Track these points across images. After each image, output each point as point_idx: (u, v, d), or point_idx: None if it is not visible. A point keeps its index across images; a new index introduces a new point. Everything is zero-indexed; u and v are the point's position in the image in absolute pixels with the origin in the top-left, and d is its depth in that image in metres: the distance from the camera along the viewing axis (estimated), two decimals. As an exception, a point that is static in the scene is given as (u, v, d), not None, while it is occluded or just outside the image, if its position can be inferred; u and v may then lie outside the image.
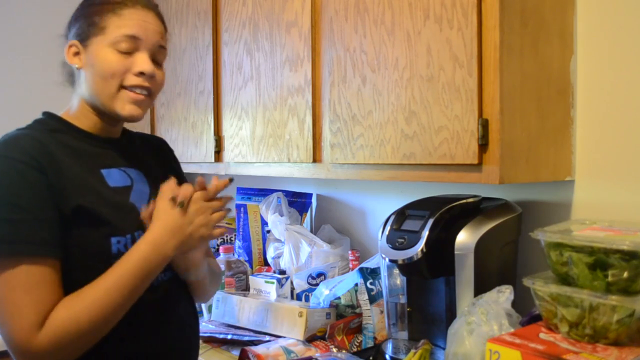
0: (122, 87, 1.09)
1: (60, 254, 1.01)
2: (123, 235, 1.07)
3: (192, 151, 2.13)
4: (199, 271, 1.20)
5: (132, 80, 1.09)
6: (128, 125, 1.25)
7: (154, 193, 1.15)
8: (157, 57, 1.14)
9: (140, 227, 1.09)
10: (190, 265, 1.17)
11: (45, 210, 1.00)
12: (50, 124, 1.13)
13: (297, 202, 2.19)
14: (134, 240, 1.07)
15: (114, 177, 1.12)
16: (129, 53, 1.09)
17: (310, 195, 2.20)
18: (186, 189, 1.08)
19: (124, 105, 1.10)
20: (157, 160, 1.28)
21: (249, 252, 2.22)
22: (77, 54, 1.12)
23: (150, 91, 1.12)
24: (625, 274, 0.99)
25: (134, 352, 1.10)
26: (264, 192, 2.27)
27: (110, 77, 1.08)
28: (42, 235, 0.99)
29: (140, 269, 1.02)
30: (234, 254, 2.25)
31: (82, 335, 0.98)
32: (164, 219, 1.05)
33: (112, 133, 1.19)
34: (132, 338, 1.10)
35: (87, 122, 1.14)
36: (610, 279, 1.00)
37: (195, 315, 1.27)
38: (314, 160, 1.63)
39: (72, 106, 1.16)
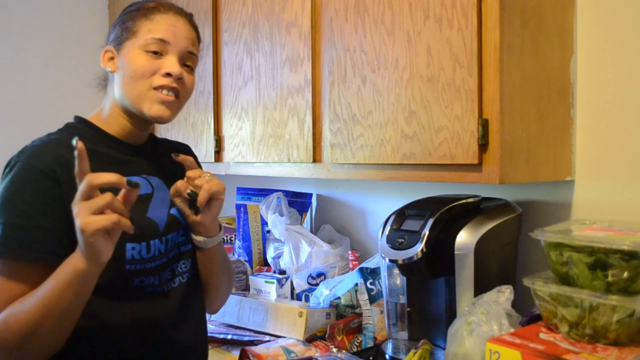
0: (151, 88, 1.11)
1: (53, 261, 0.98)
2: (138, 242, 1.08)
3: (192, 151, 2.12)
4: (216, 239, 1.19)
5: (159, 81, 1.10)
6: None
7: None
8: (187, 62, 1.15)
9: (156, 236, 1.11)
10: (203, 231, 1.17)
11: (52, 219, 1.01)
12: (81, 129, 1.15)
13: (297, 202, 2.19)
14: (148, 248, 1.09)
15: None
16: (158, 56, 1.11)
17: (310, 195, 2.20)
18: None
19: (152, 105, 1.11)
20: (178, 167, 1.27)
21: (249, 252, 2.22)
22: (111, 58, 1.15)
23: (178, 93, 1.13)
24: (625, 274, 0.99)
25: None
26: (264, 192, 2.27)
27: (140, 78, 1.10)
28: (44, 243, 1.00)
29: (62, 289, 0.94)
30: (234, 254, 2.25)
31: (13, 346, 0.95)
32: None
33: (139, 138, 1.20)
34: (134, 351, 1.10)
35: (116, 126, 1.16)
36: (610, 279, 1.00)
37: (205, 325, 1.28)
38: (314, 160, 1.63)
39: (104, 110, 1.18)
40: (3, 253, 1.00)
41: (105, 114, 1.17)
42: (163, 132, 2.29)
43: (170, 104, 1.12)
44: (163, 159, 1.25)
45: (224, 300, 1.36)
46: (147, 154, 1.21)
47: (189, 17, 1.18)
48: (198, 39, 1.20)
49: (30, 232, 1.00)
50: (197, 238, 1.18)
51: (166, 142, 1.33)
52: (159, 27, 1.11)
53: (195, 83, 1.20)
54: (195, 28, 1.19)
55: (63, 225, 1.01)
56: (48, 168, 1.03)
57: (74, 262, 0.93)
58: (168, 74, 1.11)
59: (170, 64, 1.11)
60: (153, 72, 1.10)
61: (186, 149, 1.36)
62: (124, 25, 1.14)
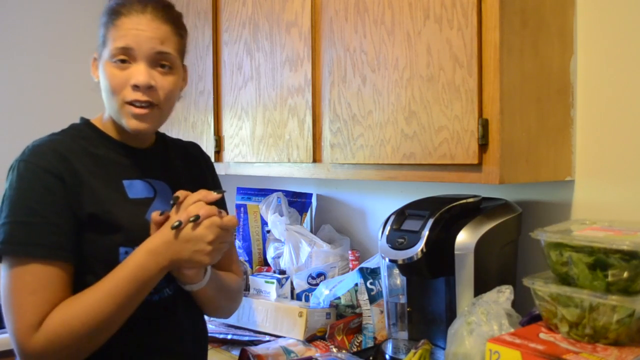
0: (124, 103, 1.07)
1: (72, 258, 1.03)
2: (132, 247, 1.06)
3: (192, 151, 2.12)
4: (200, 285, 1.12)
5: (129, 95, 1.06)
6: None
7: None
8: (161, 62, 1.08)
9: None
10: (187, 280, 1.10)
11: (60, 216, 1.02)
12: (84, 130, 1.14)
13: (297, 202, 2.19)
14: None
15: (136, 188, 1.12)
16: (126, 65, 1.06)
17: (310, 195, 2.20)
18: (200, 210, 1.02)
19: (128, 120, 1.08)
20: (188, 169, 1.26)
21: (249, 252, 2.22)
22: (97, 67, 1.13)
23: (151, 103, 1.07)
24: (625, 274, 0.99)
25: None
26: (264, 192, 2.27)
27: (112, 93, 1.07)
28: (54, 239, 1.01)
29: (135, 277, 1.01)
30: (234, 254, 2.25)
31: (76, 338, 0.98)
32: (166, 233, 1.02)
33: (143, 141, 1.18)
34: (133, 355, 1.10)
35: (115, 130, 1.15)
36: (610, 279, 1.00)
37: (204, 332, 1.27)
38: (314, 160, 1.63)
39: (105, 112, 1.16)
40: (13, 251, 1.00)
41: (106, 118, 1.16)
42: (163, 132, 2.29)
43: (145, 117, 1.07)
44: (173, 161, 1.24)
45: (230, 313, 1.32)
46: (153, 156, 1.19)
47: (158, 11, 1.08)
48: (175, 31, 1.11)
49: (39, 229, 1.00)
50: (181, 285, 1.12)
51: (177, 142, 1.31)
52: (122, 33, 1.05)
53: (176, 82, 1.12)
54: (168, 20, 1.09)
55: (70, 221, 1.02)
56: (51, 165, 1.03)
57: (162, 261, 1.02)
58: (135, 86, 1.06)
59: (137, 72, 1.05)
60: (122, 85, 1.06)
61: (195, 150, 1.34)
62: (99, 33, 1.11)
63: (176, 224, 1.01)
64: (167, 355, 1.14)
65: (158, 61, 1.08)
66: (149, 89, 1.07)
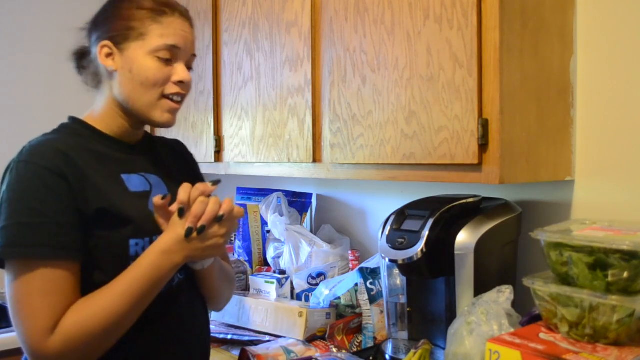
0: (162, 96, 1.12)
1: (80, 257, 1.02)
2: (142, 238, 1.08)
3: (192, 151, 2.11)
4: (209, 262, 1.16)
5: (172, 88, 1.12)
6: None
7: (172, 199, 1.15)
8: (190, 63, 1.17)
9: (158, 231, 1.09)
10: (197, 258, 1.14)
11: (65, 215, 1.01)
12: (76, 128, 1.15)
13: (297, 202, 2.19)
14: (152, 243, 1.08)
15: (134, 182, 1.13)
16: (168, 62, 1.11)
17: (310, 195, 2.20)
18: (212, 210, 1.04)
19: (163, 114, 1.13)
20: (177, 164, 1.29)
21: (249, 252, 2.22)
22: (109, 55, 1.13)
23: (183, 97, 1.16)
24: (625, 274, 0.99)
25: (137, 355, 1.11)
26: (264, 192, 2.27)
27: (152, 86, 1.10)
28: (61, 239, 1.00)
29: (150, 277, 1.02)
30: (234, 254, 2.25)
31: (92, 339, 0.99)
32: (178, 232, 1.04)
33: (135, 137, 1.20)
34: (140, 348, 1.10)
35: (112, 125, 1.15)
36: (610, 279, 1.00)
37: (206, 326, 1.27)
38: (314, 160, 1.63)
39: (97, 108, 1.17)
40: (17, 253, 0.99)
41: (101, 113, 1.16)
42: (163, 131, 2.29)
43: (176, 112, 1.15)
44: (161, 157, 1.25)
45: (227, 301, 1.35)
46: (144, 152, 1.21)
47: (190, 17, 1.17)
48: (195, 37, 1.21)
49: (43, 229, 0.99)
50: (191, 265, 1.15)
51: (162, 140, 1.33)
52: (170, 32, 1.11)
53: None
54: (193, 27, 1.19)
55: (75, 219, 1.02)
56: (53, 165, 1.02)
57: (175, 259, 1.03)
58: (180, 82, 1.12)
59: (181, 70, 1.13)
60: (165, 80, 1.11)
61: (180, 146, 1.37)
62: (127, 23, 1.11)
63: (187, 230, 1.02)
64: (174, 342, 1.15)
65: (189, 62, 1.17)
66: (187, 85, 1.15)
